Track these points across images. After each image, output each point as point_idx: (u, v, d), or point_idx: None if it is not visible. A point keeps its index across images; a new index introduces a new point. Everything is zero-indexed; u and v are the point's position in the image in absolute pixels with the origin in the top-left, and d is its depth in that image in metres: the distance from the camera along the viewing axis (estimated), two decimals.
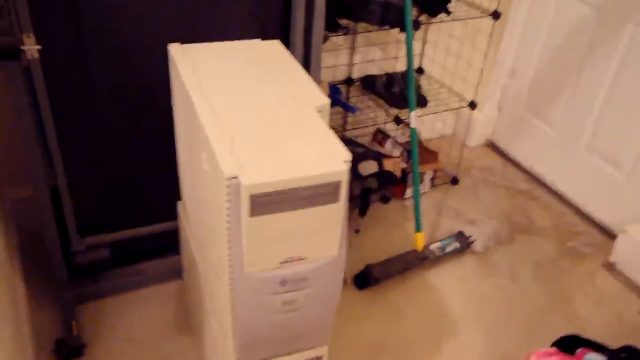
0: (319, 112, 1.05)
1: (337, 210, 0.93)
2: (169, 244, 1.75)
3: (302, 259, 0.96)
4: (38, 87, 1.34)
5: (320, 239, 0.95)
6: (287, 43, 1.57)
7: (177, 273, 1.71)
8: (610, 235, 2.09)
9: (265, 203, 0.87)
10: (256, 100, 1.06)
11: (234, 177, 0.86)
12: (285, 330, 1.04)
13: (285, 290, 0.98)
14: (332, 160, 0.91)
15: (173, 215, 1.58)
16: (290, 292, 0.98)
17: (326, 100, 1.07)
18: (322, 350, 1.14)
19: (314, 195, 0.89)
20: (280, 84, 1.12)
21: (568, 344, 1.30)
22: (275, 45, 1.30)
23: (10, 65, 1.26)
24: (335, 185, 0.90)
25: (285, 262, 0.95)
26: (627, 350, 1.20)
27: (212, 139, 0.93)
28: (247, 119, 1.00)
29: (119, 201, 1.64)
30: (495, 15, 2.01)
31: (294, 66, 1.20)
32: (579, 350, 1.25)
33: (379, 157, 1.88)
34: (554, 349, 1.26)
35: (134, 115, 1.53)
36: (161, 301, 1.70)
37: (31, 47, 1.29)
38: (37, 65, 1.31)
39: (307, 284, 0.98)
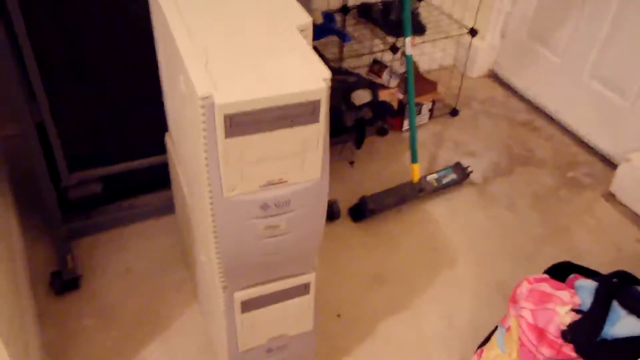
0: (301, 31, 0.99)
1: (317, 131, 0.89)
2: (160, 178, 1.73)
3: (283, 182, 0.93)
4: (15, 20, 1.29)
5: (301, 161, 0.92)
6: None
7: (169, 207, 1.70)
8: (611, 165, 2.05)
9: (241, 123, 0.84)
10: (235, 20, 1.00)
11: (208, 97, 0.82)
12: (269, 256, 1.03)
13: (267, 214, 0.95)
14: (311, 79, 0.86)
15: (163, 148, 1.55)
16: (272, 216, 0.96)
17: (308, 20, 1.01)
18: (309, 278, 1.13)
19: (292, 115, 0.86)
20: (261, 3, 1.06)
21: (561, 271, 1.29)
22: None
23: None
24: (314, 104, 0.86)
25: (266, 185, 0.92)
26: (620, 275, 1.18)
27: (187, 60, 0.89)
28: (225, 38, 0.95)
29: (108, 135, 1.61)
30: None
31: None
32: (570, 277, 1.24)
33: (372, 86, 1.83)
34: (545, 276, 1.25)
35: (120, 46, 1.48)
36: (155, 235, 1.70)
37: None
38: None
39: (289, 207, 0.96)
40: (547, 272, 1.31)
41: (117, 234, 1.69)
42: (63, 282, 1.52)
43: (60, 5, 1.36)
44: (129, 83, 1.54)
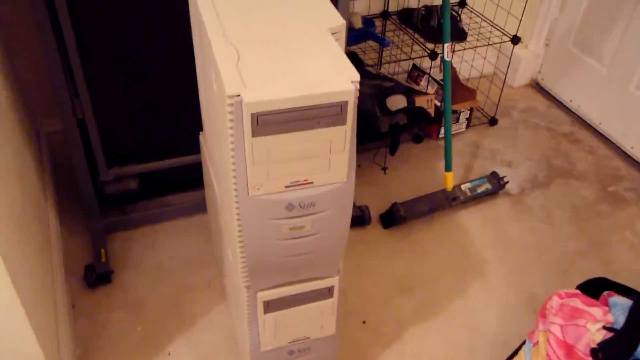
0: (334, 33, 0.99)
1: (344, 133, 0.89)
2: (196, 177, 1.76)
3: (308, 183, 0.93)
4: (61, 16, 1.34)
5: (328, 163, 0.92)
6: None
7: (203, 206, 1.72)
8: None
9: (268, 122, 0.84)
10: (269, 20, 1.01)
11: (237, 95, 0.83)
12: (293, 257, 1.03)
13: (292, 215, 0.96)
14: (339, 80, 0.86)
15: (199, 147, 1.58)
16: (297, 217, 0.96)
17: (341, 22, 1.01)
18: (333, 281, 1.13)
19: (319, 115, 0.86)
20: (295, 5, 1.06)
21: (595, 287, 1.25)
22: None
23: None
24: (342, 106, 0.86)
25: (291, 185, 0.92)
26: None
27: (218, 57, 0.90)
28: (257, 38, 0.96)
29: (146, 133, 1.65)
30: None
31: None
32: (604, 294, 1.19)
33: (408, 92, 1.81)
34: (577, 291, 1.21)
35: (162, 45, 1.51)
36: (188, 233, 1.72)
37: None
38: None
39: (314, 209, 0.96)
40: (579, 287, 1.27)
41: (150, 230, 1.72)
42: (96, 275, 1.55)
43: (105, 4, 1.40)
44: (169, 82, 1.57)
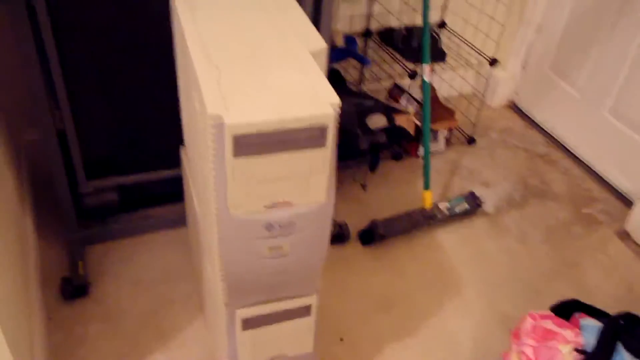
0: (315, 55, 1.01)
1: (324, 155, 0.91)
2: (176, 190, 1.76)
3: (288, 204, 0.94)
4: (43, 26, 1.34)
5: (307, 184, 0.93)
6: None
7: (182, 220, 1.72)
8: (627, 203, 2.03)
9: (249, 144, 0.86)
10: (251, 41, 1.03)
11: (218, 116, 0.84)
12: (273, 276, 1.04)
13: (271, 235, 0.97)
14: (320, 104, 0.88)
15: (179, 161, 1.58)
16: (276, 237, 0.97)
17: (323, 45, 1.03)
18: (311, 300, 1.14)
19: (299, 138, 0.87)
20: (278, 27, 1.08)
21: (567, 308, 1.28)
22: None
23: (15, 4, 1.26)
24: (322, 129, 0.88)
25: (271, 206, 0.94)
26: (627, 316, 1.17)
27: (201, 77, 0.91)
28: (239, 58, 0.97)
29: (127, 145, 1.65)
30: None
31: (296, 10, 1.16)
32: (575, 315, 1.22)
33: (388, 111, 1.84)
34: (550, 313, 1.24)
35: (142, 58, 1.51)
36: (167, 247, 1.72)
37: None
38: (42, 5, 1.30)
39: (294, 229, 0.97)
40: (552, 309, 1.29)
41: (129, 243, 1.71)
42: (73, 287, 1.54)
43: (87, 16, 1.40)
44: (150, 95, 1.58)
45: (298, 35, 1.05)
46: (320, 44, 1.02)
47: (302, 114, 0.86)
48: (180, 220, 1.75)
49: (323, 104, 0.88)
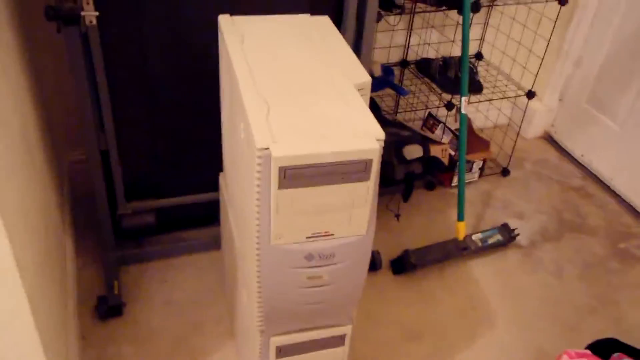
0: (359, 89, 1.03)
1: (367, 189, 0.92)
2: (211, 214, 1.79)
3: (329, 235, 0.95)
4: (94, 52, 1.39)
5: (349, 216, 0.95)
6: (339, 19, 1.55)
7: (217, 243, 1.75)
8: None
9: (295, 176, 0.88)
10: (297, 74, 1.05)
11: (266, 148, 0.87)
12: (309, 305, 1.05)
13: (311, 265, 0.98)
14: (365, 138, 0.90)
15: (216, 186, 1.61)
16: (316, 267, 0.98)
17: (367, 79, 1.05)
18: (346, 330, 1.14)
19: (344, 171, 0.89)
20: (323, 60, 1.11)
21: (605, 347, 1.25)
22: (324, 20, 1.29)
23: (70, 30, 1.31)
24: (366, 163, 0.89)
25: (312, 236, 0.95)
26: None
27: (249, 109, 0.94)
28: (287, 91, 1.00)
29: (167, 169, 1.68)
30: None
31: (340, 42, 1.19)
32: (614, 355, 1.20)
33: (424, 142, 1.85)
34: (587, 352, 1.21)
35: (185, 84, 1.56)
36: (200, 269, 1.74)
37: (90, 13, 1.33)
38: (95, 31, 1.36)
39: (333, 260, 0.98)
40: (589, 347, 1.27)
41: (164, 265, 1.74)
42: (108, 307, 1.57)
43: (136, 43, 1.45)
44: (192, 121, 1.61)
45: (343, 69, 1.07)
46: (364, 77, 1.04)
47: (347, 148, 0.87)
48: (213, 244, 1.77)
49: (368, 139, 0.89)
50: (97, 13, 1.34)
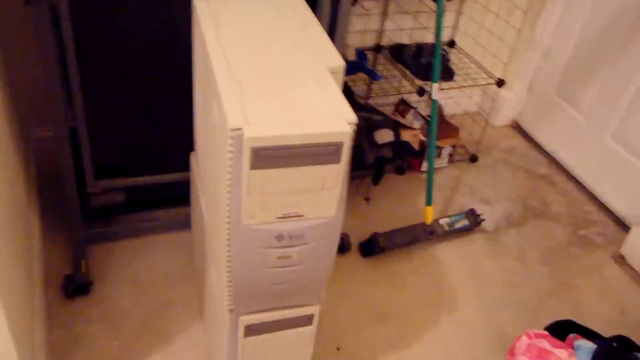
0: (333, 73, 1.04)
1: (338, 171, 0.93)
2: (182, 194, 1.78)
3: (299, 216, 0.97)
4: (64, 27, 1.36)
5: (319, 198, 0.96)
6: (314, 3, 1.55)
7: (187, 223, 1.74)
8: (624, 227, 2.06)
9: (267, 157, 0.88)
10: (271, 56, 1.06)
11: (238, 129, 0.87)
12: (278, 285, 1.06)
13: (281, 245, 0.99)
14: (337, 121, 0.91)
15: (187, 165, 1.60)
16: (285, 247, 1.00)
17: (340, 62, 1.06)
18: (314, 309, 1.16)
19: (315, 153, 0.90)
20: (297, 42, 1.11)
21: (562, 329, 1.31)
22: (299, 3, 1.28)
23: (38, 4, 1.28)
24: (338, 146, 0.90)
25: (283, 217, 0.96)
26: (620, 339, 1.19)
27: (223, 90, 0.94)
28: (260, 73, 1.00)
29: (137, 148, 1.67)
30: None
31: (315, 25, 1.19)
32: (570, 336, 1.25)
33: (396, 127, 1.87)
34: (545, 332, 1.26)
35: (157, 64, 1.54)
36: (170, 249, 1.74)
37: None
38: (64, 4, 1.33)
39: (302, 240, 1.00)
40: (548, 328, 1.32)
41: (132, 244, 1.73)
42: (75, 286, 1.56)
43: (106, 19, 1.43)
44: (164, 100, 1.60)
45: (317, 52, 1.08)
46: (338, 61, 1.05)
47: (319, 130, 0.88)
48: (183, 224, 1.77)
49: (340, 122, 0.90)
50: None
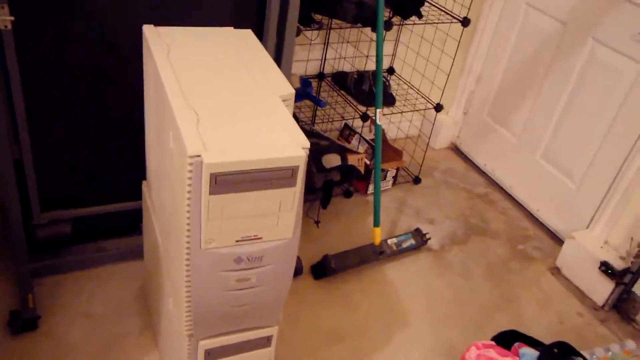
0: (284, 100, 1.09)
1: (294, 194, 0.98)
2: (132, 223, 1.77)
3: (257, 239, 1.00)
4: (9, 59, 1.35)
5: (276, 220, 0.99)
6: (260, 33, 1.60)
7: (138, 253, 1.73)
8: (558, 240, 2.19)
9: (225, 182, 0.91)
10: (224, 85, 1.09)
11: (197, 156, 0.90)
12: (238, 307, 1.08)
13: (240, 268, 1.02)
14: (291, 146, 0.95)
15: (138, 194, 1.60)
16: (244, 270, 1.02)
17: (291, 91, 1.11)
18: (272, 331, 1.18)
19: (272, 178, 0.94)
20: (248, 72, 1.15)
21: (507, 338, 1.38)
22: (248, 34, 1.33)
23: None
24: (293, 170, 0.95)
25: (242, 240, 0.99)
26: (559, 345, 1.27)
27: (179, 119, 0.97)
28: (214, 102, 1.03)
29: (85, 178, 1.65)
30: (465, 21, 2.08)
31: (264, 56, 1.24)
32: (515, 345, 1.32)
33: (342, 151, 1.94)
34: (492, 343, 1.33)
35: (105, 93, 1.54)
36: (120, 280, 1.71)
37: (4, 18, 1.30)
38: (9, 36, 1.32)
39: (261, 262, 1.02)
40: (494, 339, 1.39)
41: (81, 276, 1.70)
42: (22, 321, 1.51)
43: (53, 49, 1.43)
44: (112, 129, 1.60)
45: (268, 81, 1.12)
46: (288, 90, 1.10)
47: (276, 155, 0.92)
48: (134, 253, 1.75)
49: (295, 147, 0.95)
50: (12, 18, 1.31)
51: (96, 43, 1.46)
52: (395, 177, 2.32)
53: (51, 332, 1.53)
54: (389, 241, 1.96)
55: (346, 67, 2.33)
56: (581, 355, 1.27)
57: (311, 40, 2.17)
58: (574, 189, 2.14)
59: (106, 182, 1.68)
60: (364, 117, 2.04)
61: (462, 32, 2.17)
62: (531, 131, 2.29)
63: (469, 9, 2.18)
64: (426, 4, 2.12)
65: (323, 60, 2.25)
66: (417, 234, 2.03)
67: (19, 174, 1.52)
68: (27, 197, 1.57)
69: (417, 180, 2.40)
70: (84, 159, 1.62)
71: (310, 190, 1.92)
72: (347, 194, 2.22)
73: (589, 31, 2.02)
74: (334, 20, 1.99)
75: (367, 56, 2.34)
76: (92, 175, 1.65)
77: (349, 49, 2.30)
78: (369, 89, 2.16)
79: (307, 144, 0.96)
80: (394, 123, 2.58)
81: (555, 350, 1.27)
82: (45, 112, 1.51)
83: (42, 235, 1.65)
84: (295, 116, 2.12)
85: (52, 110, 1.51)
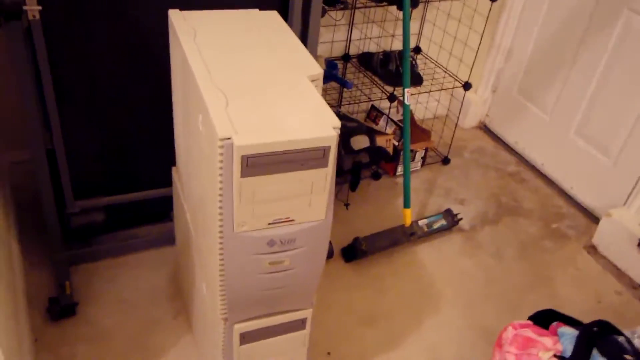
0: (313, 81, 1.07)
1: (326, 175, 0.96)
2: (163, 210, 1.78)
3: (290, 221, 0.99)
4: (38, 49, 1.36)
5: (309, 202, 0.99)
6: (285, 14, 1.59)
7: (169, 239, 1.74)
8: (593, 218, 2.14)
9: (256, 164, 0.91)
10: (252, 67, 1.08)
11: (228, 138, 0.89)
12: (271, 290, 1.08)
13: (272, 250, 1.01)
14: (322, 126, 0.94)
15: (168, 181, 1.61)
16: (277, 252, 1.02)
17: (320, 70, 1.10)
18: (307, 313, 1.18)
19: (303, 159, 0.93)
20: (276, 53, 1.14)
21: (544, 318, 1.35)
22: (273, 15, 1.32)
23: (12, 26, 1.28)
24: (324, 150, 0.93)
25: (274, 223, 0.98)
26: (599, 324, 1.25)
27: (208, 101, 0.96)
28: (243, 83, 1.02)
29: (116, 166, 1.67)
30: None
31: (291, 36, 1.22)
32: (553, 324, 1.30)
33: (371, 132, 1.91)
34: (529, 322, 1.31)
35: (134, 80, 1.55)
36: (153, 266, 1.73)
37: (33, 8, 1.31)
38: (38, 26, 1.33)
39: (294, 245, 1.02)
40: (531, 318, 1.37)
41: (116, 263, 1.73)
42: (60, 308, 1.54)
43: (82, 38, 1.44)
44: (141, 116, 1.61)
45: (296, 61, 1.11)
46: (317, 69, 1.09)
47: (306, 136, 0.91)
48: (165, 239, 1.77)
49: (325, 127, 0.93)
50: (40, 7, 1.31)
51: (123, 30, 1.46)
52: (424, 158, 2.29)
53: (88, 318, 1.56)
54: (420, 222, 1.94)
55: (372, 48, 2.30)
56: (622, 334, 1.24)
57: (336, 20, 2.14)
58: (610, 165, 2.08)
59: (137, 169, 1.69)
60: (391, 98, 2.01)
61: (491, 7, 2.11)
62: (564, 107, 2.23)
63: None
64: None
65: (348, 41, 2.22)
66: (448, 214, 2.00)
67: (51, 163, 1.54)
68: (60, 186, 1.59)
69: (446, 161, 2.37)
70: (115, 147, 1.64)
71: (338, 173, 1.91)
72: (376, 176, 2.20)
73: (624, 0, 1.94)
74: None
75: (392, 36, 2.30)
76: (122, 163, 1.67)
77: (374, 29, 2.26)
78: (395, 68, 2.13)
79: (338, 123, 0.95)
80: (421, 103, 2.54)
81: (595, 329, 1.24)
82: (75, 101, 1.52)
83: (76, 224, 1.67)
84: None
85: (81, 100, 1.53)
